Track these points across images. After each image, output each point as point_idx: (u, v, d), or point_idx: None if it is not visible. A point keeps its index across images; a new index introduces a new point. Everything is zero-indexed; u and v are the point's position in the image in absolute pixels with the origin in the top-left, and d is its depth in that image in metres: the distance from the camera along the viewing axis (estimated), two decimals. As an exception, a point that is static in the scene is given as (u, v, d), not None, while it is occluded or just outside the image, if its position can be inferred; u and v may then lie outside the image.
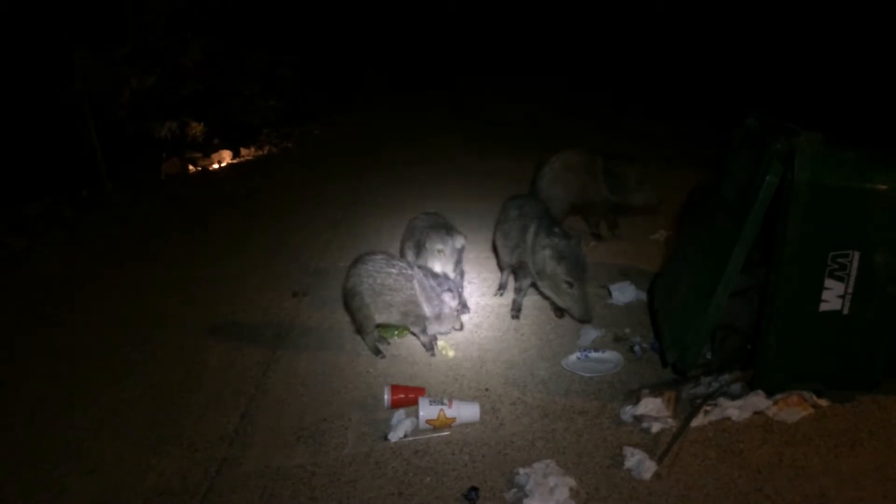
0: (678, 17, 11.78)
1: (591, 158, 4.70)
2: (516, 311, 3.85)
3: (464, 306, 3.61)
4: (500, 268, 4.20)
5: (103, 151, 7.26)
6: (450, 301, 3.32)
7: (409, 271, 3.33)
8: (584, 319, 3.44)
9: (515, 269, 3.86)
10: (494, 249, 4.17)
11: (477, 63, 14.79)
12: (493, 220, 5.20)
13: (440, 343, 3.54)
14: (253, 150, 9.23)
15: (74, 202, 6.84)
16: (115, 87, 7.65)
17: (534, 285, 3.72)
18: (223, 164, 8.66)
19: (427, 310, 3.32)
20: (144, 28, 7.91)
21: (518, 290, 3.83)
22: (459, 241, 3.67)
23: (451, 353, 3.46)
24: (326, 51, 11.75)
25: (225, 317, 4.07)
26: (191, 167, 8.41)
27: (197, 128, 8.83)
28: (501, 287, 4.17)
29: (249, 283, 4.52)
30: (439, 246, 3.61)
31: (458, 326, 3.65)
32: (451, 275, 3.56)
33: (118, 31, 7.69)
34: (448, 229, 3.71)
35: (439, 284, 3.32)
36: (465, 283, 4.03)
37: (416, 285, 3.29)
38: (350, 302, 3.45)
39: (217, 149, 8.90)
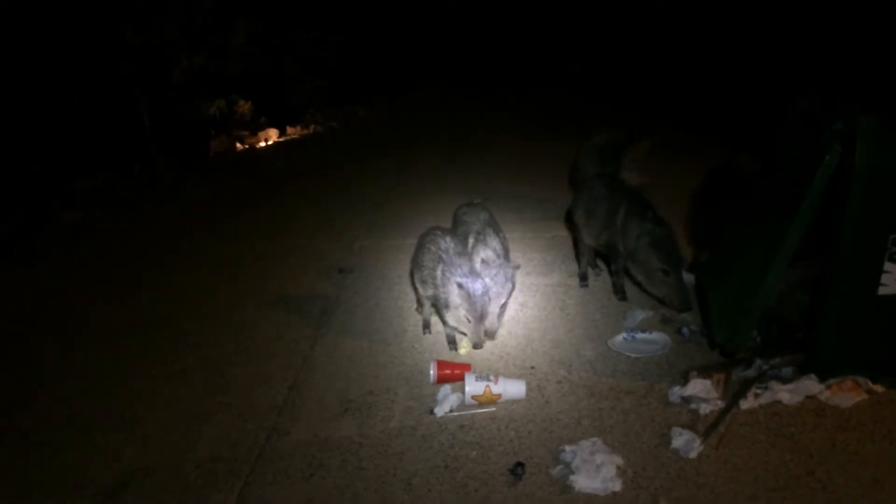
0: (678, 17, 11.36)
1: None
2: (620, 293, 3.77)
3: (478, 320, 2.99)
4: (578, 249, 4.05)
5: (153, 129, 7.42)
6: (458, 296, 2.99)
7: (443, 254, 3.13)
8: (683, 308, 3.34)
9: (605, 250, 3.78)
10: (570, 226, 4.02)
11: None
12: (537, 202, 5.23)
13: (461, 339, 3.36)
14: (299, 129, 9.35)
15: (127, 179, 7.01)
16: (166, 66, 7.80)
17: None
18: (269, 143, 8.79)
19: (428, 290, 3.24)
20: (192, 8, 8.03)
21: (616, 273, 3.74)
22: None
23: (462, 351, 3.28)
24: (372, 33, 11.77)
25: (272, 292, 4.13)
26: (238, 145, 8.57)
27: (244, 106, 8.96)
28: (584, 278, 3.98)
29: (295, 260, 4.59)
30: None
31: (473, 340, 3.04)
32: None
33: (168, 11, 7.81)
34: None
35: (452, 274, 3.01)
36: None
37: (438, 271, 3.12)
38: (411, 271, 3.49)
39: (264, 127, 9.05)
